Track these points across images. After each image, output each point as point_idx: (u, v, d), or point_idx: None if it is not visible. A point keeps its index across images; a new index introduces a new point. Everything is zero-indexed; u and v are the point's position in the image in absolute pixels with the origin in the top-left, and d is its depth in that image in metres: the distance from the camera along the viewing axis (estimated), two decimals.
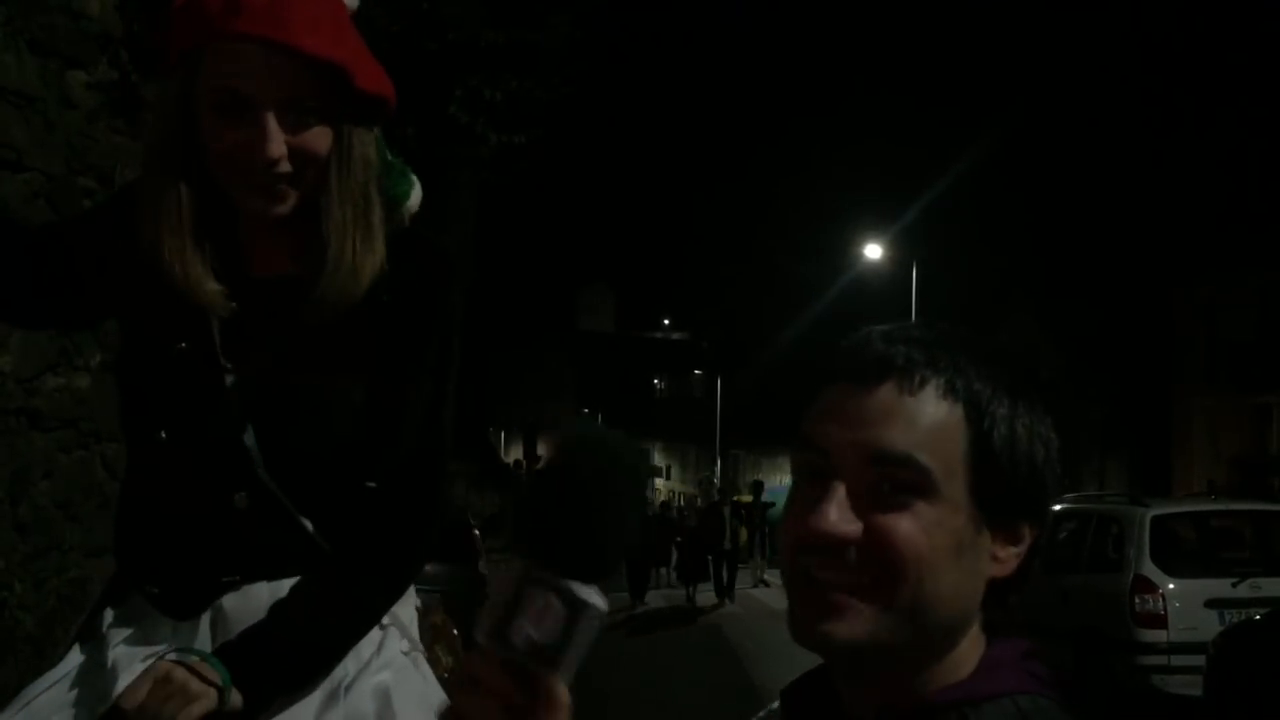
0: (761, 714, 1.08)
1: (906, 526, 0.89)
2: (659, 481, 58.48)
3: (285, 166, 1.40)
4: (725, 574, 19.07)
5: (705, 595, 19.08)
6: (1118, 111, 25.59)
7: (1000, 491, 0.92)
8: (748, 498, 23.82)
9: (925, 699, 0.91)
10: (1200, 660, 7.80)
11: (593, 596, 0.80)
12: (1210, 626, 8.21)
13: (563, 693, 0.82)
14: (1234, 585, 8.68)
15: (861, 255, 27.05)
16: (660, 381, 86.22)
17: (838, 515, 0.90)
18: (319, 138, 1.42)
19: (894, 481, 0.90)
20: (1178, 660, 8.37)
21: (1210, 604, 8.56)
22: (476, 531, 13.49)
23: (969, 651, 0.94)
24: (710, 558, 19.23)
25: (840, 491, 0.90)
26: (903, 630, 0.90)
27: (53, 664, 1.50)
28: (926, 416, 0.91)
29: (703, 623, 16.65)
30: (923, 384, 0.92)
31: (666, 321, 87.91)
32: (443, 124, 6.74)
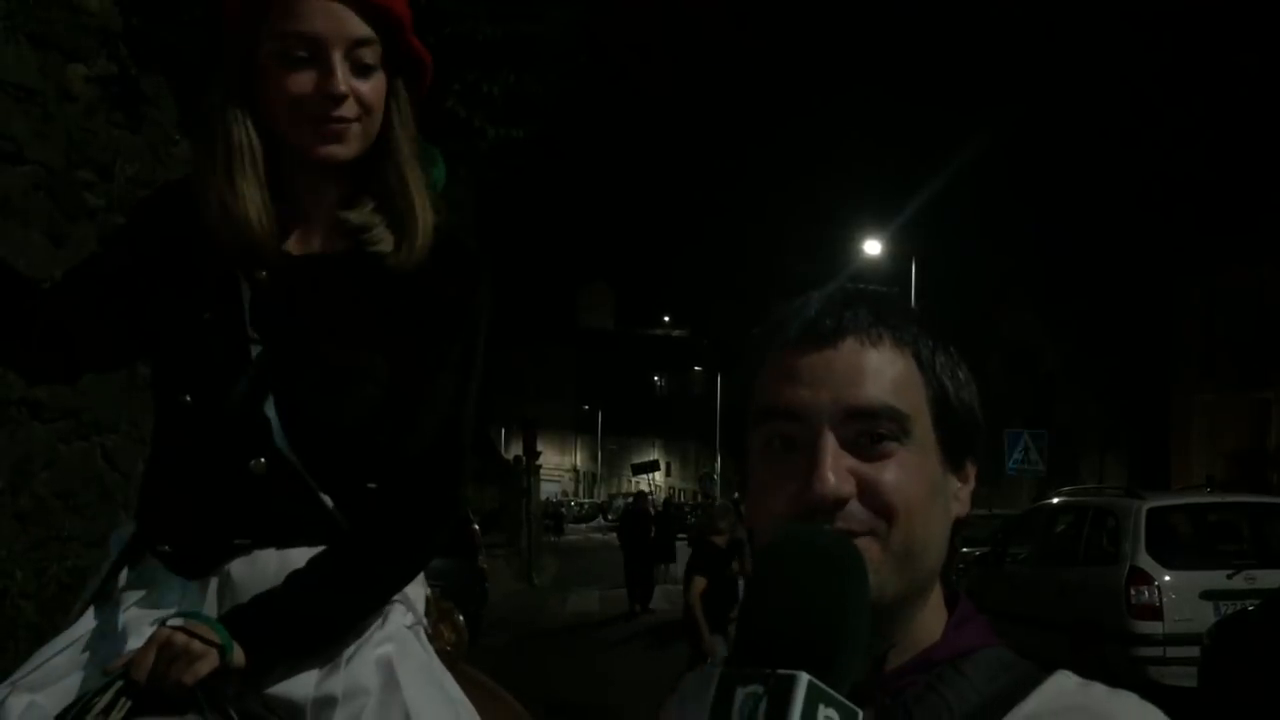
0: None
1: (892, 474, 0.92)
2: (659, 478, 58.52)
3: (351, 108, 1.48)
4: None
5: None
6: (1117, 107, 25.56)
7: (955, 432, 0.97)
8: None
9: (919, 656, 0.94)
10: (1195, 652, 7.84)
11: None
12: (1205, 618, 8.24)
13: None
14: (1229, 577, 8.71)
15: (861, 251, 27.08)
16: (660, 378, 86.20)
17: (836, 476, 0.90)
18: (377, 88, 1.51)
19: (874, 434, 0.93)
20: (1173, 652, 8.40)
21: (1205, 596, 8.60)
22: (476, 526, 13.55)
23: (938, 604, 0.97)
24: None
25: (828, 452, 0.91)
26: (900, 575, 0.93)
27: (68, 625, 1.54)
28: (890, 367, 0.95)
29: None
30: (879, 339, 0.96)
31: (666, 318, 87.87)
32: (441, 118, 6.76)
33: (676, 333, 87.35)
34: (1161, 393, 25.99)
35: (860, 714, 0.74)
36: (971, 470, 0.99)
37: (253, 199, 1.48)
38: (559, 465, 74.57)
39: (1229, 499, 10.86)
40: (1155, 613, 8.56)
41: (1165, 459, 25.30)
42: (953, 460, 0.97)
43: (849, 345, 0.95)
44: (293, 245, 1.54)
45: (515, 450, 29.74)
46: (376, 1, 1.47)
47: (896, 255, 25.99)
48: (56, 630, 1.58)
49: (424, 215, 1.53)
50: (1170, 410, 26.05)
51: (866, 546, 0.89)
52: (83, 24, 4.74)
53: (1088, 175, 25.50)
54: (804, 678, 0.73)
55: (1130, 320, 26.08)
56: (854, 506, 0.91)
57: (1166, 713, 0.90)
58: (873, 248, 26.56)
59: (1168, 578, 8.70)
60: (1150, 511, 9.13)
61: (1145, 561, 8.77)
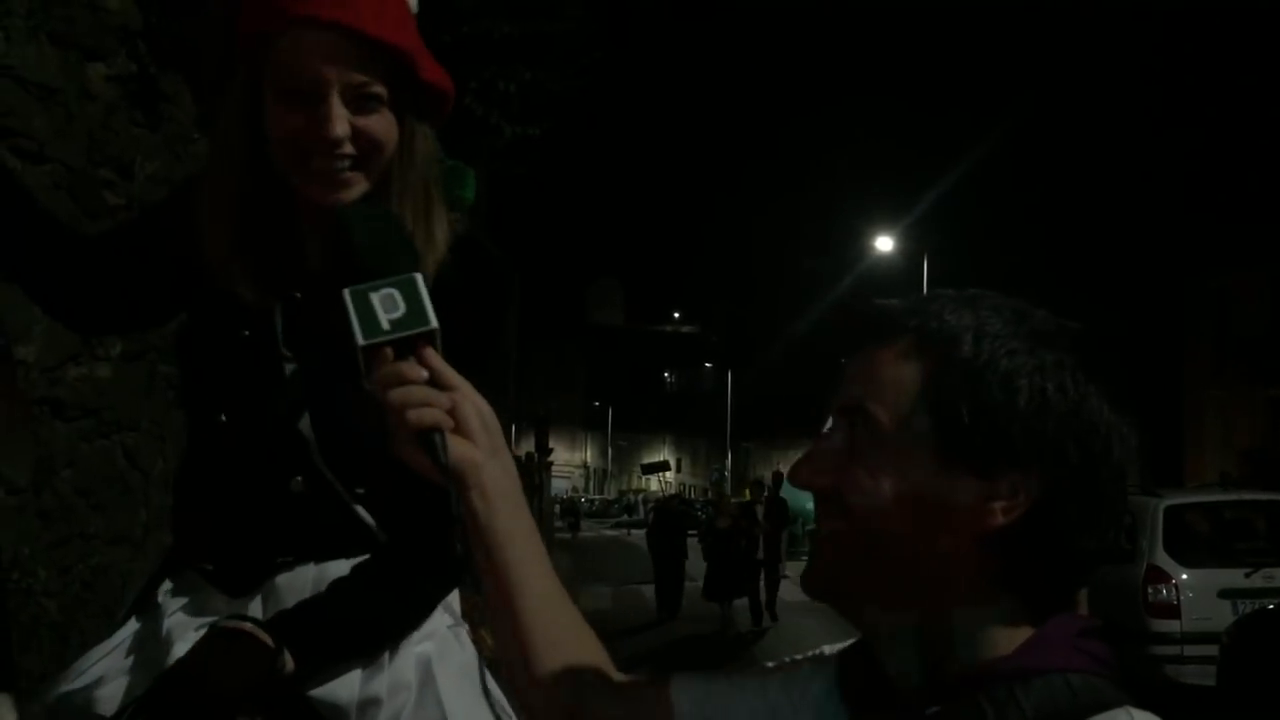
0: (812, 654, 1.11)
1: (859, 475, 0.93)
2: (670, 476, 58.43)
3: (348, 149, 1.42)
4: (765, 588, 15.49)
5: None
6: (1129, 105, 25.48)
7: (967, 438, 0.91)
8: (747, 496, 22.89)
9: (972, 672, 0.91)
10: (1213, 650, 7.81)
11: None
12: (1223, 617, 8.21)
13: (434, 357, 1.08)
14: (1247, 576, 8.68)
15: (873, 248, 27.02)
16: (670, 375, 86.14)
17: (809, 469, 0.98)
18: (383, 124, 1.44)
19: (855, 432, 0.95)
20: (1191, 650, 8.37)
21: (1223, 594, 8.56)
22: None
23: (1010, 627, 0.93)
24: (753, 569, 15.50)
25: (816, 446, 0.98)
26: (865, 572, 0.93)
27: (109, 633, 1.54)
28: (888, 367, 0.95)
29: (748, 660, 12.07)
30: (894, 337, 0.96)
31: (676, 315, 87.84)
32: (457, 116, 6.76)
33: (686, 329, 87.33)
34: (1174, 390, 25.90)
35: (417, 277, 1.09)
36: (1019, 482, 0.90)
37: (228, 258, 1.46)
38: (569, 461, 74.63)
39: (1247, 496, 10.81)
40: (1173, 611, 8.53)
41: (1179, 456, 25.22)
42: (971, 467, 0.91)
43: (865, 348, 0.98)
44: (318, 259, 1.53)
45: (526, 447, 29.76)
46: (380, 39, 1.40)
47: (908, 252, 25.92)
48: (80, 629, 1.58)
49: (435, 249, 1.47)
50: (1183, 407, 25.97)
51: (818, 551, 0.98)
52: (103, 22, 4.74)
53: (1100, 173, 25.44)
54: (417, 275, 1.09)
55: (1142, 317, 26.00)
56: (836, 505, 0.95)
57: (1184, 712, 0.87)
58: (884, 244, 26.49)
59: (1185, 576, 8.67)
60: (1168, 509, 9.10)
61: (1163, 559, 8.74)
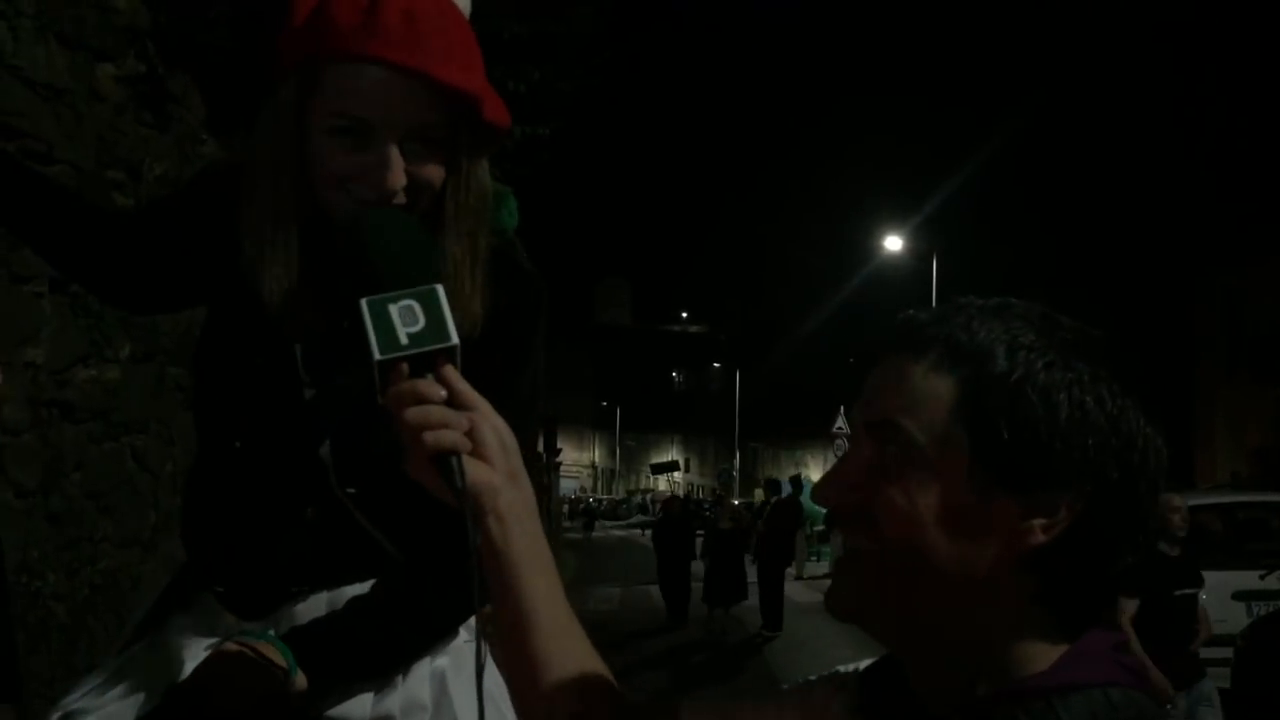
0: (827, 675, 1.07)
1: (892, 494, 0.89)
2: (678, 476, 58.43)
3: (402, 198, 1.34)
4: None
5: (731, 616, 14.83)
6: (1138, 103, 25.44)
7: (1006, 455, 0.87)
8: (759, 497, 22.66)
9: (1009, 689, 0.89)
10: (1228, 653, 7.75)
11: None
12: (1238, 619, 8.16)
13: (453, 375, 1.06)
14: (1261, 578, 8.63)
15: (881, 248, 26.96)
16: (678, 374, 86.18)
17: (835, 487, 0.93)
18: (438, 168, 1.36)
19: (886, 449, 0.90)
20: (1205, 653, 8.32)
21: (1238, 596, 8.51)
22: None
23: (1046, 642, 0.91)
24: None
25: (842, 463, 0.93)
26: (904, 599, 0.90)
27: (118, 648, 1.51)
28: (920, 381, 0.90)
29: (755, 668, 11.91)
30: (922, 350, 0.91)
31: (684, 314, 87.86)
32: None
33: (694, 328, 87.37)
34: (1184, 390, 25.82)
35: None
36: (1059, 500, 0.87)
37: (279, 278, 1.37)
38: (577, 461, 74.61)
39: (1260, 498, 10.75)
40: None
41: (1189, 456, 25.14)
42: (1008, 486, 0.88)
43: (890, 358, 0.94)
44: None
45: (534, 447, 29.78)
46: (449, 84, 1.30)
47: (917, 252, 25.85)
48: (88, 632, 1.55)
49: (472, 297, 1.39)
50: (1193, 408, 25.88)
51: (843, 572, 0.94)
52: (111, 23, 4.73)
53: (1109, 171, 25.38)
54: (438, 286, 1.06)
55: (1152, 316, 25.93)
56: (860, 523, 0.91)
57: None
58: (893, 243, 26.42)
59: None
60: None
61: None
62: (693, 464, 76.74)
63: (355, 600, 1.42)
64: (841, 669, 1.06)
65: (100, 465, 4.55)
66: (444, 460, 1.01)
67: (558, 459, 27.52)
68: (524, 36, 7.09)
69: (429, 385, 1.04)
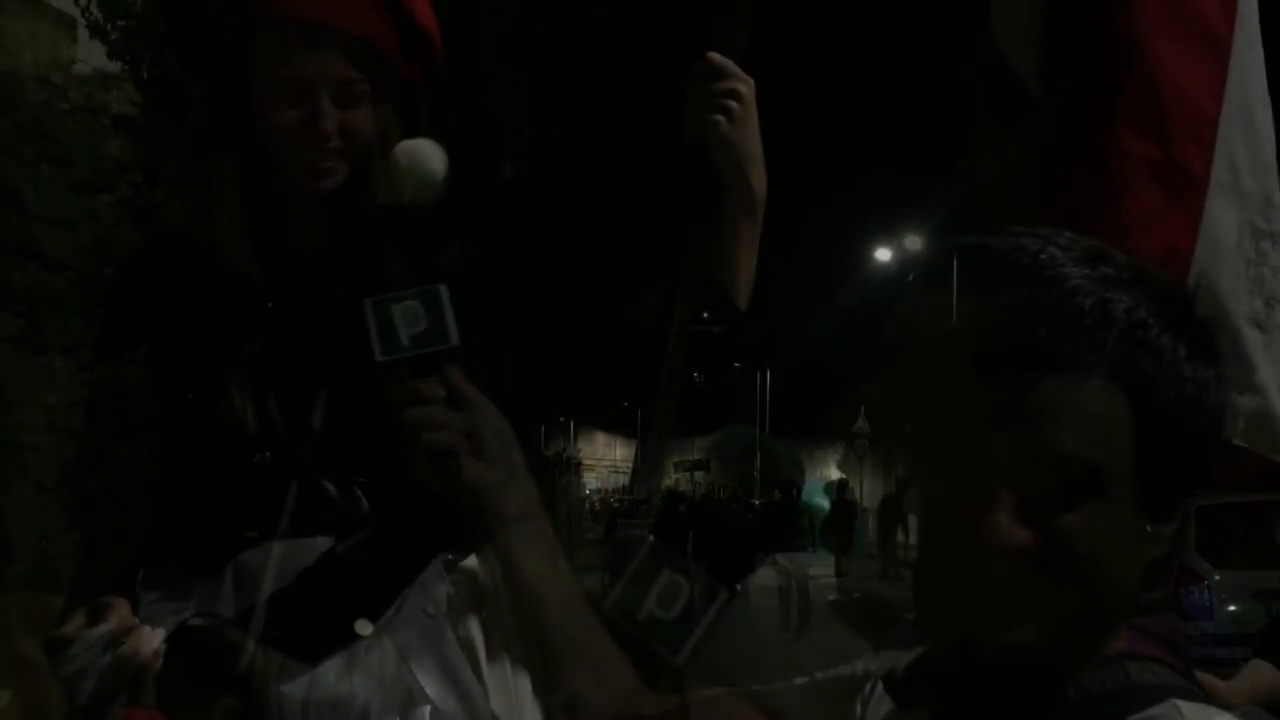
0: (852, 669, 1.06)
1: (1072, 523, 0.82)
2: (699, 476, 58.41)
3: (336, 143, 1.50)
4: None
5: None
6: None
7: (1171, 478, 0.84)
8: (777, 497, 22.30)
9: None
10: (1247, 654, 7.67)
11: None
12: (1257, 619, 8.09)
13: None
14: None
15: (903, 247, 26.86)
16: (699, 375, 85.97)
17: (1009, 519, 0.81)
18: (365, 116, 1.51)
19: (1057, 478, 0.82)
20: (1223, 653, 8.26)
21: (1257, 596, 8.45)
22: None
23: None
24: None
25: (1007, 496, 0.81)
26: (1070, 605, 0.83)
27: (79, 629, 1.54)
28: (1091, 405, 0.81)
29: (758, 664, 11.87)
30: (1082, 370, 0.81)
31: (704, 314, 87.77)
32: (480, 117, 6.79)
33: (715, 328, 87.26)
34: None
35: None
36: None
37: (230, 231, 1.53)
38: (598, 461, 74.63)
39: None
40: (1206, 613, 8.43)
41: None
42: (1168, 506, 0.85)
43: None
44: (292, 242, 1.57)
45: (555, 447, 29.84)
46: (362, 36, 1.48)
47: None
48: None
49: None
50: None
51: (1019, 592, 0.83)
52: (129, 27, 4.79)
53: None
54: (442, 287, 1.09)
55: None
56: None
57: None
58: (913, 243, 26.31)
59: (1218, 577, 8.57)
60: (1200, 509, 8.97)
61: (1195, 560, 8.63)
62: (713, 464, 76.59)
63: (308, 571, 1.45)
64: (860, 665, 1.06)
65: (117, 463, 4.62)
66: (443, 460, 1.05)
67: (579, 459, 27.45)
68: (539, 37, 7.13)
69: (429, 386, 1.08)
